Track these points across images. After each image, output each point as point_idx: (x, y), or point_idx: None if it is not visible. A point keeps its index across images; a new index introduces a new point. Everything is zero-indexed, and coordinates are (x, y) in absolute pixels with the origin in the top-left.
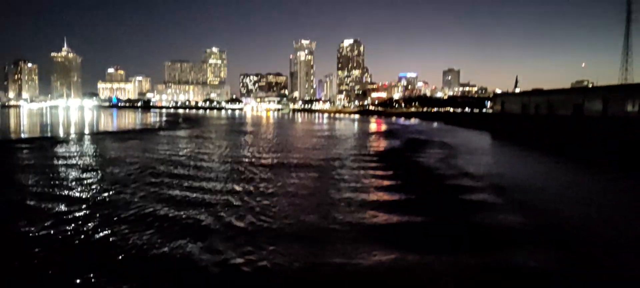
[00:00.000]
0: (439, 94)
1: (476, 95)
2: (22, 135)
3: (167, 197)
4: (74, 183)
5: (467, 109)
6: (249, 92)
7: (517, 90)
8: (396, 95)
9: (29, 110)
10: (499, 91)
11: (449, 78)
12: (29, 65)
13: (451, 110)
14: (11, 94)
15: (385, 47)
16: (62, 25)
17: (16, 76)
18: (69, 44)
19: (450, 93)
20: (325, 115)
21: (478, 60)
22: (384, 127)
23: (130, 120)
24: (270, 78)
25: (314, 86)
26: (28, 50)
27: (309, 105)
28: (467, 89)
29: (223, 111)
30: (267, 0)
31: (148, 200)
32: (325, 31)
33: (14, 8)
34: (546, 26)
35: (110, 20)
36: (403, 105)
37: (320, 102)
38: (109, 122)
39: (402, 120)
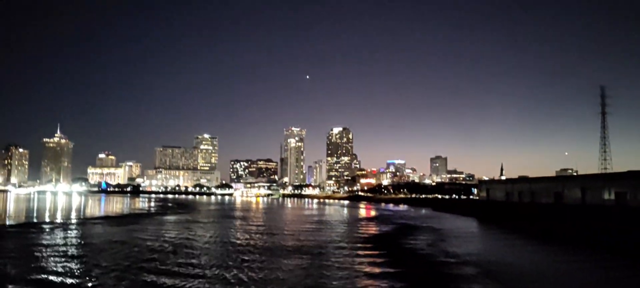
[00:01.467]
0: (427, 181)
1: (463, 182)
2: (7, 222)
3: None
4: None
5: (454, 196)
6: (239, 178)
7: (503, 177)
8: (385, 182)
9: (16, 195)
10: (485, 178)
11: (437, 165)
12: (20, 150)
13: (439, 196)
14: (0, 179)
15: (373, 135)
16: (55, 110)
17: (6, 161)
18: (62, 130)
19: (438, 179)
20: (315, 200)
21: (465, 148)
22: (373, 213)
23: (119, 205)
24: (261, 164)
25: (304, 172)
26: (20, 135)
27: (299, 190)
28: (454, 175)
29: (213, 197)
30: (257, 89)
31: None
32: (315, 118)
33: (7, 93)
34: (529, 116)
35: (103, 106)
36: (392, 191)
37: (310, 187)
38: (97, 208)
39: (391, 206)
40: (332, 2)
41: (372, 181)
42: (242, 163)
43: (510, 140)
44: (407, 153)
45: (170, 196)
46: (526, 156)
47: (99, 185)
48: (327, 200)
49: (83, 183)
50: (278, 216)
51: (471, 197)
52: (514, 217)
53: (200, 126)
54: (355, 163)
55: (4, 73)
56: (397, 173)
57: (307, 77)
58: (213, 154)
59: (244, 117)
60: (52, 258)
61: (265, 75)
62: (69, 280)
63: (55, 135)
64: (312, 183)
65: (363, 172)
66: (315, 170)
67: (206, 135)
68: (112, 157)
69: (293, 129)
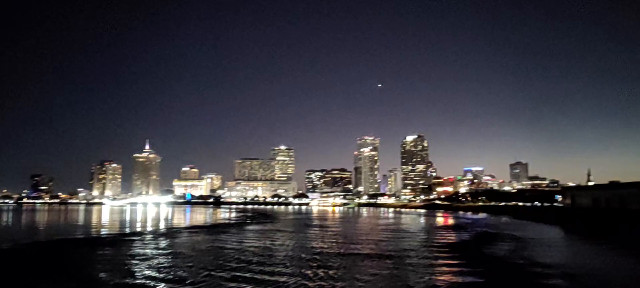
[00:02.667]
0: (507, 188)
1: (546, 189)
2: (125, 230)
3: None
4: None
5: (536, 203)
6: (314, 188)
7: (590, 183)
8: (462, 189)
9: (111, 207)
10: (571, 184)
11: (517, 171)
12: (114, 165)
13: (520, 204)
14: (95, 192)
15: (449, 141)
16: (145, 128)
17: (101, 175)
18: (150, 145)
19: (519, 186)
20: (391, 209)
21: (547, 152)
22: (451, 221)
23: (203, 216)
24: (335, 173)
25: (378, 181)
26: (114, 151)
27: (374, 199)
28: (536, 182)
29: (290, 207)
30: (331, 99)
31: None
32: (388, 127)
33: (102, 113)
34: (619, 118)
35: (187, 122)
36: (469, 199)
37: (385, 196)
38: (183, 219)
39: (469, 214)
40: (403, 10)
41: (449, 189)
42: (317, 173)
43: (597, 144)
44: (485, 159)
45: (249, 206)
46: (615, 160)
47: (183, 196)
48: (402, 209)
49: (170, 195)
50: (356, 225)
51: (554, 204)
52: (601, 225)
53: (277, 138)
54: (430, 171)
55: (99, 96)
56: (475, 181)
57: (380, 85)
58: (289, 165)
59: (318, 127)
60: (145, 265)
61: (338, 86)
62: (162, 285)
63: (144, 150)
64: (387, 192)
65: (439, 180)
66: (389, 179)
67: (282, 147)
68: (195, 170)
69: (366, 138)
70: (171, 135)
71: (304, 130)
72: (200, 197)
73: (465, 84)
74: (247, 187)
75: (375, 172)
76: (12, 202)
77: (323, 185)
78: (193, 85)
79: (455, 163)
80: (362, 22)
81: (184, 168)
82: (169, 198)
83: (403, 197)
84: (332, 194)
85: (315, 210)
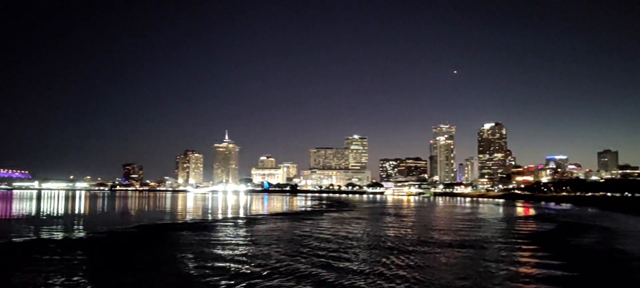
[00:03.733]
0: (594, 177)
1: (639, 178)
2: (212, 216)
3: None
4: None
5: (626, 193)
6: (388, 177)
7: None
8: (544, 179)
9: (194, 195)
10: None
11: (606, 160)
12: (196, 155)
13: (609, 194)
14: (180, 180)
15: (529, 129)
16: (224, 119)
17: (185, 164)
18: (229, 135)
19: (607, 175)
20: (468, 199)
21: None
22: (532, 211)
23: (280, 204)
24: (410, 162)
25: (454, 170)
26: (196, 142)
27: (450, 189)
28: (627, 171)
29: (365, 195)
30: (405, 87)
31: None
32: (465, 115)
33: (184, 106)
34: None
35: (264, 113)
36: (552, 189)
37: (462, 185)
38: (263, 206)
39: (552, 205)
40: None
41: (530, 178)
42: (391, 162)
43: None
44: (570, 148)
45: (324, 195)
46: None
47: (261, 185)
48: (480, 199)
49: (248, 184)
50: (432, 214)
51: None
52: None
53: (351, 127)
54: (509, 160)
55: (183, 90)
56: (559, 170)
57: (455, 72)
58: (363, 154)
59: (392, 116)
60: (229, 249)
61: (412, 74)
62: (245, 268)
63: (224, 140)
64: (463, 182)
65: (519, 169)
66: (466, 168)
67: (356, 136)
68: (272, 159)
69: (442, 126)
70: (249, 125)
71: (377, 119)
72: (277, 185)
73: (546, 69)
74: (322, 176)
75: (451, 161)
76: (107, 189)
77: (397, 174)
78: (269, 77)
79: (536, 152)
80: (437, 8)
81: (261, 158)
82: (248, 186)
83: (480, 186)
84: (406, 183)
85: (389, 199)
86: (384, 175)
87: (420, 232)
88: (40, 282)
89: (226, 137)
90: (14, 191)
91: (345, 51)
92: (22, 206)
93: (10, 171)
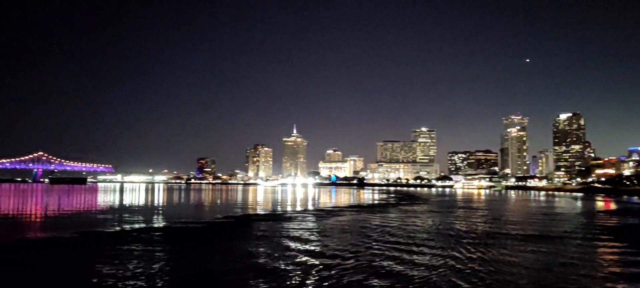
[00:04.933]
0: None
1: None
2: (286, 208)
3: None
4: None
5: None
6: (457, 170)
7: None
8: (627, 172)
9: (264, 187)
10: None
11: None
12: (265, 148)
13: None
14: (250, 173)
15: (610, 119)
16: (292, 113)
17: (255, 158)
18: (297, 129)
19: None
20: (542, 192)
21: None
22: (614, 206)
23: (347, 197)
24: (479, 155)
25: (527, 162)
26: (265, 136)
27: (523, 182)
28: None
29: (433, 189)
30: (474, 78)
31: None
32: (538, 105)
33: (254, 101)
34: None
35: (331, 106)
36: (635, 182)
37: (536, 179)
38: (335, 199)
39: (635, 199)
40: None
41: (611, 171)
42: (460, 155)
43: None
44: None
45: (391, 188)
46: None
47: (329, 178)
48: (555, 193)
49: (316, 177)
50: (506, 207)
51: None
52: None
53: (418, 120)
54: (588, 152)
55: (252, 85)
56: None
57: (527, 61)
58: (431, 147)
59: (461, 108)
60: (300, 240)
61: (482, 63)
62: (317, 260)
63: (292, 135)
64: (537, 175)
65: (598, 162)
66: (539, 161)
67: (424, 129)
68: (339, 153)
69: (513, 117)
70: (316, 119)
71: (446, 111)
72: (344, 178)
73: (627, 56)
74: (389, 169)
75: (524, 154)
76: (183, 182)
77: (466, 167)
78: (336, 71)
79: (617, 143)
80: None
81: (328, 151)
82: (316, 179)
83: (556, 180)
84: (476, 176)
85: (459, 192)
86: (453, 168)
87: (493, 224)
88: (122, 270)
89: (294, 131)
90: (99, 184)
91: (413, 43)
92: (107, 198)
93: (96, 165)
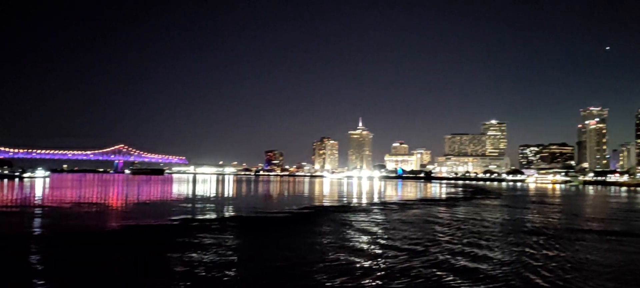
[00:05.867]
0: None
1: None
2: (352, 201)
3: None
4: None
5: None
6: (529, 164)
7: None
8: None
9: (330, 180)
10: None
11: None
12: (331, 141)
13: None
14: (317, 166)
15: None
16: (358, 106)
17: (321, 151)
18: (363, 122)
19: None
20: (624, 188)
21: None
22: None
23: (413, 190)
24: (554, 148)
25: (607, 157)
26: (331, 128)
27: (602, 177)
28: None
29: (503, 183)
30: (548, 68)
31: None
32: (619, 95)
33: (321, 95)
34: None
35: (398, 99)
36: None
37: (616, 174)
38: (404, 192)
39: None
40: None
41: None
42: (532, 148)
43: None
44: None
45: (459, 182)
46: None
47: (395, 171)
48: (638, 188)
49: (382, 170)
50: (584, 202)
51: None
52: None
53: (488, 112)
54: None
55: (318, 79)
56: None
57: (607, 49)
58: (501, 140)
59: (534, 99)
60: (366, 232)
61: (556, 51)
62: (385, 251)
63: (358, 127)
64: (618, 169)
65: None
66: (621, 155)
67: (494, 121)
68: (405, 146)
69: (591, 108)
70: (382, 112)
71: (517, 103)
72: (411, 171)
73: None
74: (457, 163)
75: (603, 147)
76: (252, 173)
77: (539, 161)
78: (402, 64)
79: None
80: None
81: (394, 144)
82: (382, 172)
83: (639, 174)
84: (550, 171)
85: (531, 187)
86: (525, 162)
87: (571, 220)
88: (195, 257)
89: (360, 124)
90: (174, 175)
91: (482, 32)
92: (189, 188)
93: (170, 157)
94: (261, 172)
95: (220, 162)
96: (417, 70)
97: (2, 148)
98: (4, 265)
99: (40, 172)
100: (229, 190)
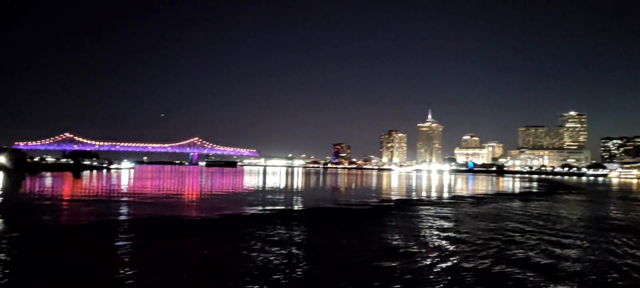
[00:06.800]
0: None
1: None
2: (393, 196)
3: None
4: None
5: None
6: (611, 157)
7: None
8: None
9: (399, 173)
10: None
11: None
12: (399, 134)
13: None
14: (384, 159)
15: None
16: (427, 98)
17: (389, 144)
18: (432, 115)
19: None
20: None
21: None
22: None
23: (485, 184)
24: (639, 141)
25: None
26: (399, 121)
27: None
28: None
29: (583, 177)
30: (633, 55)
31: None
32: None
33: (389, 85)
34: None
35: (468, 90)
36: None
37: None
38: (484, 186)
39: None
40: None
41: None
42: (615, 141)
43: None
44: None
45: (534, 176)
46: None
47: (465, 164)
48: None
49: (452, 163)
50: None
51: None
52: None
53: (566, 103)
54: None
55: (386, 70)
56: None
57: None
58: (581, 132)
59: (617, 88)
60: (433, 228)
61: None
62: (444, 243)
63: (427, 120)
64: None
65: None
66: None
67: (573, 113)
68: (476, 138)
69: None
70: (452, 104)
71: (598, 93)
72: (482, 165)
73: None
74: (532, 156)
75: None
76: (320, 166)
77: (623, 154)
78: (473, 52)
79: None
80: None
81: (464, 137)
82: (452, 165)
83: None
84: (635, 165)
85: (614, 182)
86: (606, 156)
87: None
88: (257, 248)
89: (429, 116)
90: (245, 167)
91: (559, 15)
92: (253, 180)
93: (241, 150)
94: (329, 165)
95: (290, 155)
96: (489, 59)
97: (89, 141)
98: (103, 251)
99: (125, 164)
100: (299, 182)
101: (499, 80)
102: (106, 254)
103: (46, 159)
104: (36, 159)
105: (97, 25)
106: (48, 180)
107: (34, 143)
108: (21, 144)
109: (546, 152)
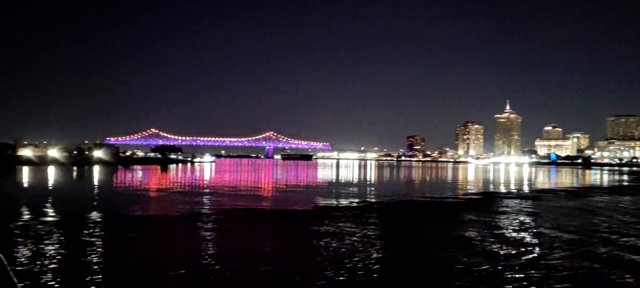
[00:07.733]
0: None
1: None
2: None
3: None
4: None
5: None
6: None
7: None
8: None
9: (475, 166)
10: None
11: None
12: (476, 126)
13: None
14: (460, 151)
15: None
16: (504, 89)
17: (464, 136)
18: (511, 105)
19: None
20: None
21: None
22: None
23: (569, 178)
24: None
25: None
26: (475, 113)
27: None
28: None
29: None
30: None
31: None
32: None
33: (464, 76)
34: None
35: (550, 80)
36: None
37: None
38: (568, 179)
39: None
40: None
41: None
42: None
43: None
44: None
45: (625, 169)
46: None
47: (547, 156)
48: None
49: (532, 155)
50: None
51: None
52: None
53: None
54: None
55: (461, 59)
56: None
57: None
58: None
59: None
60: (515, 224)
61: None
62: (528, 239)
63: (505, 111)
64: None
65: None
66: None
67: None
68: (558, 129)
69: None
70: (532, 93)
71: None
72: (566, 157)
73: None
74: (622, 148)
75: None
76: (394, 159)
77: None
78: (553, 39)
79: None
80: None
81: (546, 128)
82: (532, 158)
83: None
84: None
85: None
86: None
87: None
88: (338, 244)
89: (507, 107)
90: (319, 160)
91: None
92: (327, 172)
93: (315, 143)
94: (403, 158)
95: (362, 148)
96: (572, 45)
97: (172, 136)
98: (191, 240)
99: (207, 158)
100: (371, 175)
101: (582, 67)
102: (205, 240)
103: (137, 153)
104: (128, 153)
105: (179, 37)
106: (139, 173)
107: (123, 138)
108: (112, 139)
109: (638, 143)
